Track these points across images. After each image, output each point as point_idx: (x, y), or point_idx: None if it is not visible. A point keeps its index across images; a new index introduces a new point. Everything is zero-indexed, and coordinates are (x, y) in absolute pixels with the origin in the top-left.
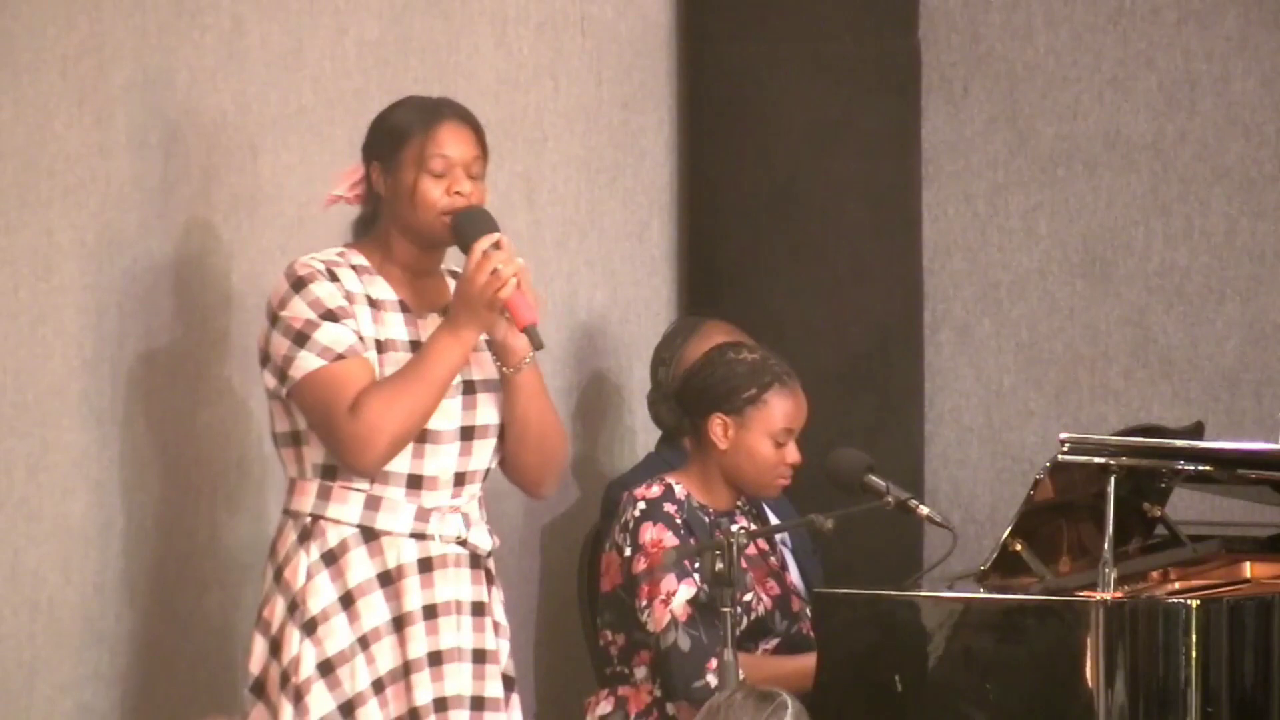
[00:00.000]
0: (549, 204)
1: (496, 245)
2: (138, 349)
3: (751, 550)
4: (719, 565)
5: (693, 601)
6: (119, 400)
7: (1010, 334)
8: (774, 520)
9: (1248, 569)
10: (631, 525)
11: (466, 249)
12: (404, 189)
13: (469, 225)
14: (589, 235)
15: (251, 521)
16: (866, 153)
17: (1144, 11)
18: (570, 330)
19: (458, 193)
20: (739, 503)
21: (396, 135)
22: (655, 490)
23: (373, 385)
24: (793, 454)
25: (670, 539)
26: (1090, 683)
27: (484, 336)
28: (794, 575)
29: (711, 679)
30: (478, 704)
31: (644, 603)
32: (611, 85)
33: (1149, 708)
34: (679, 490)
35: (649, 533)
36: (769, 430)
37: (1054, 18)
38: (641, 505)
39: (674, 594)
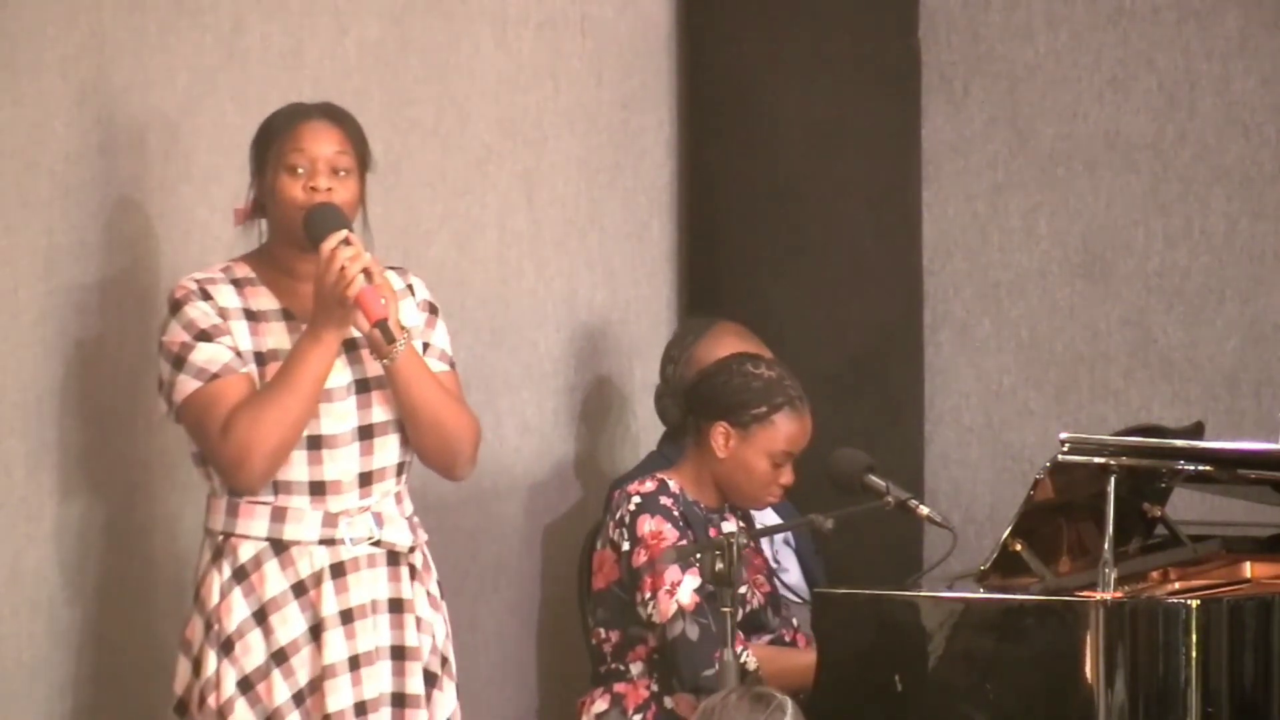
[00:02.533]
0: (549, 204)
1: (346, 242)
2: (137, 349)
3: None
4: (719, 565)
5: (700, 590)
6: (119, 400)
7: (1010, 334)
8: (770, 519)
9: (1248, 569)
10: (628, 520)
11: (317, 246)
12: (268, 189)
13: (318, 223)
14: (589, 235)
15: None
16: (866, 153)
17: (1144, 11)
18: (570, 330)
19: (313, 188)
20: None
21: (264, 138)
22: (649, 485)
23: (242, 402)
24: (787, 475)
25: (669, 530)
26: (1090, 683)
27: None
28: (796, 575)
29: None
30: (399, 700)
31: (647, 594)
32: (611, 85)
33: (1149, 708)
34: (673, 485)
35: (647, 524)
36: (769, 450)
37: (1054, 18)
38: (636, 499)
39: (679, 584)
